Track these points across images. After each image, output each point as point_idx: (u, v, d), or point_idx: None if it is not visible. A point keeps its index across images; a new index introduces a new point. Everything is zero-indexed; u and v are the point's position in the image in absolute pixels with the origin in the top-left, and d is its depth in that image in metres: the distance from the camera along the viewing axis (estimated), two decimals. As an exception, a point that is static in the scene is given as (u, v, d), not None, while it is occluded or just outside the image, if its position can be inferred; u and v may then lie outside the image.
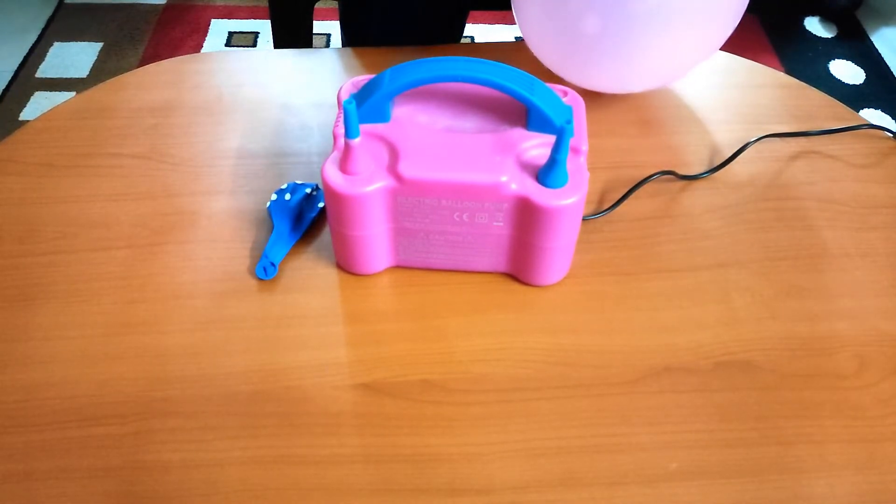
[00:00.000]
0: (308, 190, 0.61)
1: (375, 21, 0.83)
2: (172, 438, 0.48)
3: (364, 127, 0.52)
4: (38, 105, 1.67)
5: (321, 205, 0.61)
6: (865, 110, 1.75)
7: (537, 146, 0.52)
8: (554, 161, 0.49)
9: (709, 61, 0.80)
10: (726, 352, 0.53)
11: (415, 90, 0.54)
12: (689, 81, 0.76)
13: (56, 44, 1.85)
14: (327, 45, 1.87)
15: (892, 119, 1.73)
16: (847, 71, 1.85)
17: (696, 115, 0.72)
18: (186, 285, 0.57)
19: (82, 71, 1.77)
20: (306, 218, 0.60)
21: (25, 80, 1.74)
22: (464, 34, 0.96)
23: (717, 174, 0.65)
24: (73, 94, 1.68)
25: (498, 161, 0.50)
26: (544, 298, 0.56)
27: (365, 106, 0.52)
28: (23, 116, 1.65)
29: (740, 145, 0.66)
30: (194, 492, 0.46)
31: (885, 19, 1.99)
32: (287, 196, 0.60)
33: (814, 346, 0.54)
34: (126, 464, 0.47)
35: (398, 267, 0.58)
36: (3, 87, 1.71)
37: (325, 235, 0.60)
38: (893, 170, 0.67)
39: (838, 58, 1.89)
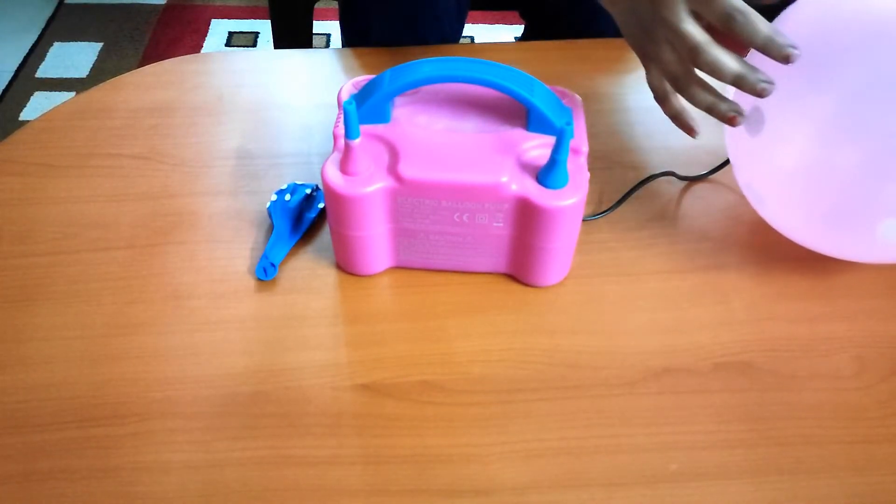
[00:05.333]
0: (308, 190, 0.61)
1: (375, 21, 0.82)
2: (172, 439, 0.48)
3: (364, 127, 0.52)
4: (38, 105, 1.67)
5: (321, 205, 0.61)
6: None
7: (537, 147, 0.52)
8: (554, 162, 0.49)
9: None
10: (726, 353, 0.53)
11: (415, 91, 0.54)
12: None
13: (56, 44, 1.85)
14: (327, 45, 1.87)
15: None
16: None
17: (696, 114, 0.72)
18: (186, 286, 0.57)
19: (82, 71, 1.77)
20: (306, 218, 0.60)
21: (25, 80, 1.74)
22: (463, 34, 0.96)
23: (717, 174, 0.65)
24: (73, 94, 1.68)
25: (498, 162, 0.50)
26: (544, 299, 0.56)
27: (365, 106, 0.52)
28: (23, 116, 1.65)
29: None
30: (194, 492, 0.46)
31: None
32: (287, 196, 0.60)
33: (813, 348, 0.54)
34: (126, 464, 0.47)
35: (398, 267, 0.58)
36: (3, 87, 1.71)
37: (325, 235, 0.60)
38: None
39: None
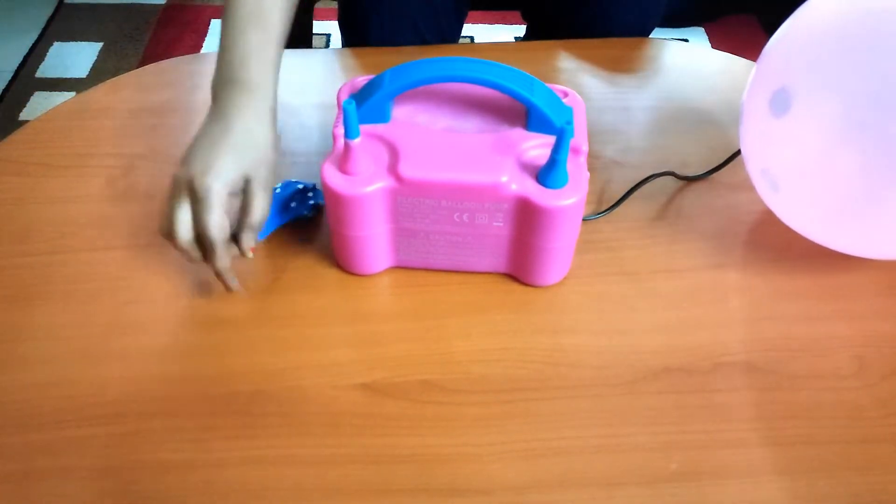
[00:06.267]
0: (300, 186, 0.61)
1: (375, 21, 0.82)
2: (172, 438, 0.48)
3: (364, 127, 0.52)
4: (38, 105, 1.67)
5: (312, 203, 0.60)
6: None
7: (537, 147, 0.52)
8: (554, 161, 0.49)
9: (708, 61, 0.80)
10: (725, 352, 0.53)
11: (415, 90, 0.54)
12: (689, 81, 0.76)
13: (56, 44, 1.84)
14: (327, 45, 1.87)
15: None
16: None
17: (695, 115, 0.72)
18: (186, 286, 0.57)
19: (82, 71, 1.77)
20: (294, 209, 0.60)
21: (25, 80, 1.74)
22: (463, 34, 0.96)
23: (717, 174, 0.65)
24: (73, 94, 1.68)
25: (498, 161, 0.50)
26: (544, 298, 0.56)
27: (365, 106, 0.52)
28: (23, 116, 1.64)
29: (740, 145, 0.66)
30: (194, 492, 0.46)
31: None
32: (278, 189, 0.60)
33: (813, 347, 0.54)
34: (126, 464, 0.47)
35: (398, 267, 0.58)
36: (3, 87, 1.71)
37: (325, 235, 0.60)
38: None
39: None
